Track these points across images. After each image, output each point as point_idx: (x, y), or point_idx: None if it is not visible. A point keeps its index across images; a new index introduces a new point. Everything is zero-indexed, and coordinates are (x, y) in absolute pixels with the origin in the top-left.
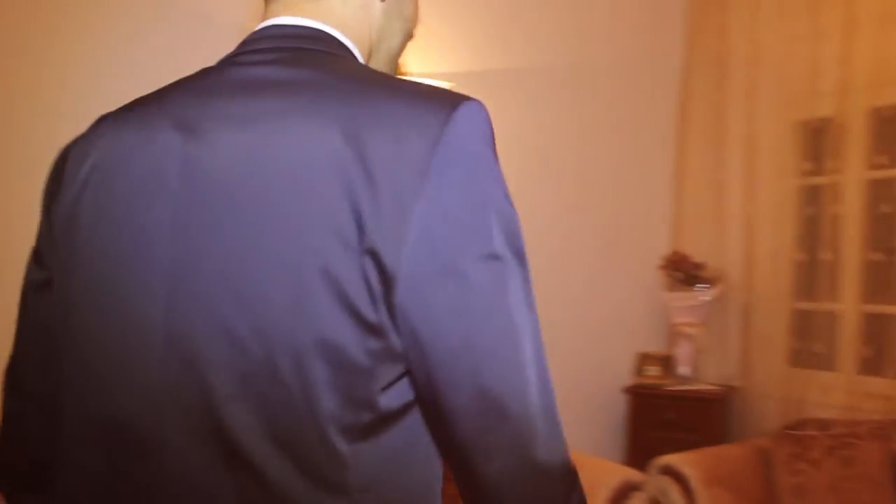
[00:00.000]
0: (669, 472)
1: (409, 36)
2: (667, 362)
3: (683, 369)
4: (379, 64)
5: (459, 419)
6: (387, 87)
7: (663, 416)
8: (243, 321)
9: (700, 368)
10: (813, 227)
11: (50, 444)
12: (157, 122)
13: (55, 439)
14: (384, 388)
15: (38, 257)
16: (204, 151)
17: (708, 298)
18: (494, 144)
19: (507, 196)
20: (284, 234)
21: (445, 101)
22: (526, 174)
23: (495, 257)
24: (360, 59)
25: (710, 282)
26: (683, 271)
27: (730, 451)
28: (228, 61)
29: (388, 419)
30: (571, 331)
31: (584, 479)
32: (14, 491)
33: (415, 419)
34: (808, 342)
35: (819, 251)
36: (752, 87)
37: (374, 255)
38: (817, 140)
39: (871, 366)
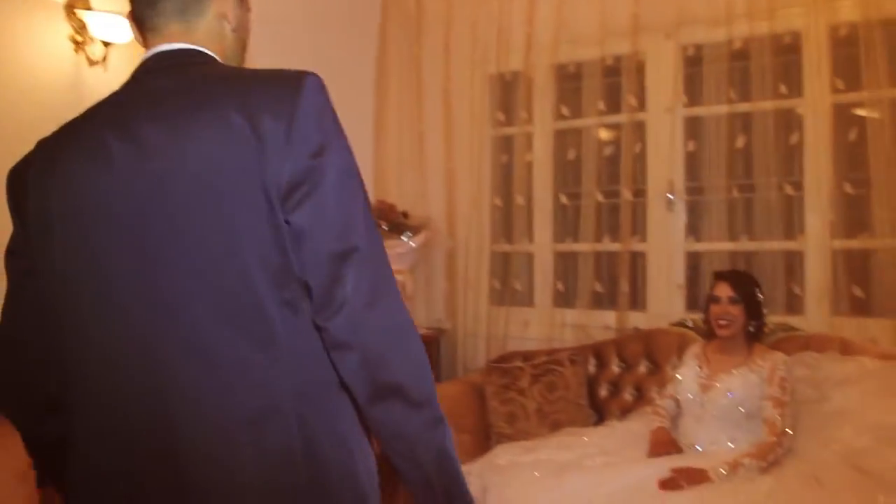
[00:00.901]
0: None
1: (244, 49)
2: None
3: None
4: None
5: (329, 273)
6: (253, 74)
7: None
8: (207, 254)
9: (411, 314)
10: (508, 175)
11: (57, 379)
12: (96, 133)
13: (68, 372)
14: (295, 271)
15: (19, 252)
16: (137, 147)
17: (414, 245)
18: (328, 95)
19: (338, 122)
20: (221, 190)
21: (295, 75)
22: None
23: (341, 159)
24: None
25: (416, 230)
26: (389, 220)
27: (446, 389)
28: (135, 80)
29: (302, 296)
30: None
31: None
32: (32, 421)
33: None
34: (509, 281)
35: (514, 197)
36: (448, 43)
37: (275, 179)
38: (509, 93)
39: (564, 299)
